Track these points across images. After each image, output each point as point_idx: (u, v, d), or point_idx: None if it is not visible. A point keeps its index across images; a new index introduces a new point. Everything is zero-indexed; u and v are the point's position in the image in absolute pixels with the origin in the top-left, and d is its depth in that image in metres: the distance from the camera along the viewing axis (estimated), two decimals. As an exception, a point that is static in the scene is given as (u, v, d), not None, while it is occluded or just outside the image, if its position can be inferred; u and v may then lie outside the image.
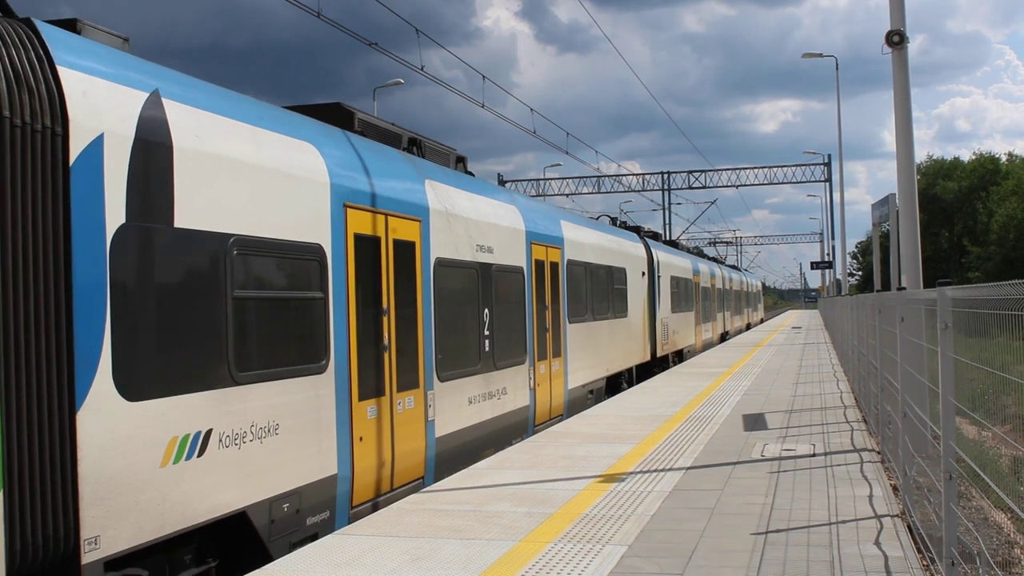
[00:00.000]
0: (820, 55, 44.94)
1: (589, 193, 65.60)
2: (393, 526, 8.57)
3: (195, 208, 7.66)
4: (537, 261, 16.82)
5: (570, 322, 18.85)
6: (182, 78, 8.24)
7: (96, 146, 6.76)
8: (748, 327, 65.61)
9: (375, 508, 10.06)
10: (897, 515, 8.46)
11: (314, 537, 8.87)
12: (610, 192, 66.66)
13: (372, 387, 10.36)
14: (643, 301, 26.89)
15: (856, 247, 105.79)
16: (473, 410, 13.40)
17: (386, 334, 10.81)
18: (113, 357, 6.73)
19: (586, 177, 65.19)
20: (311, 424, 9.13)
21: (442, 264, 12.50)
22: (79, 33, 7.37)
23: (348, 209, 10.07)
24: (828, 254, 66.64)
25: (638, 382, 24.41)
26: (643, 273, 27.09)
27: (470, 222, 13.71)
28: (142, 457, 6.96)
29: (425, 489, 10.42)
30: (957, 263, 78.63)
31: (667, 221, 66.10)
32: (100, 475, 6.59)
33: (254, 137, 8.70)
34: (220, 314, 7.91)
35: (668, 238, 52.31)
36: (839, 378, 22.19)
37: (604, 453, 12.10)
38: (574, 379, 18.96)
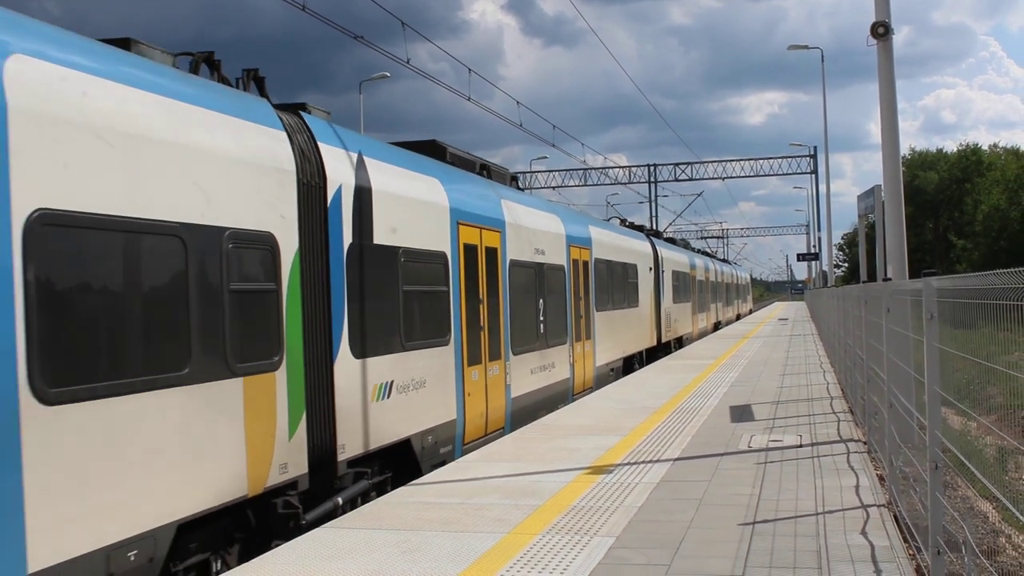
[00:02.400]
0: (806, 47, 44.98)
1: (576, 186, 65.55)
2: (383, 519, 8.57)
3: (383, 229, 11.12)
4: (574, 260, 20.25)
5: (597, 311, 22.17)
6: (370, 141, 12.04)
7: (338, 193, 10.14)
8: (738, 317, 68.98)
9: (477, 447, 13.14)
10: (883, 505, 8.51)
11: (442, 463, 12.09)
12: (597, 185, 66.64)
13: (474, 357, 13.92)
14: (650, 293, 30.21)
15: (842, 239, 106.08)
16: (533, 378, 16.92)
17: (481, 318, 14.31)
18: (348, 330, 10.12)
19: (573, 170, 65.13)
20: (441, 381, 12.62)
21: (514, 264, 16.07)
22: (309, 112, 10.56)
23: (460, 225, 13.59)
24: (814, 246, 66.83)
25: (648, 363, 27.64)
26: (650, 268, 30.39)
27: (530, 230, 17.25)
28: (361, 396, 10.36)
29: (414, 482, 10.44)
30: (942, 254, 78.96)
31: (654, 213, 66.17)
32: (344, 406, 9.94)
33: (409, 178, 12.29)
34: (397, 302, 11.46)
35: (654, 228, 53.07)
36: (825, 369, 22.28)
37: (592, 445, 12.13)
38: (600, 358, 22.30)
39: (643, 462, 10.92)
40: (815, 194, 66.16)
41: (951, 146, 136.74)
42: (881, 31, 13.76)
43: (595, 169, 64.92)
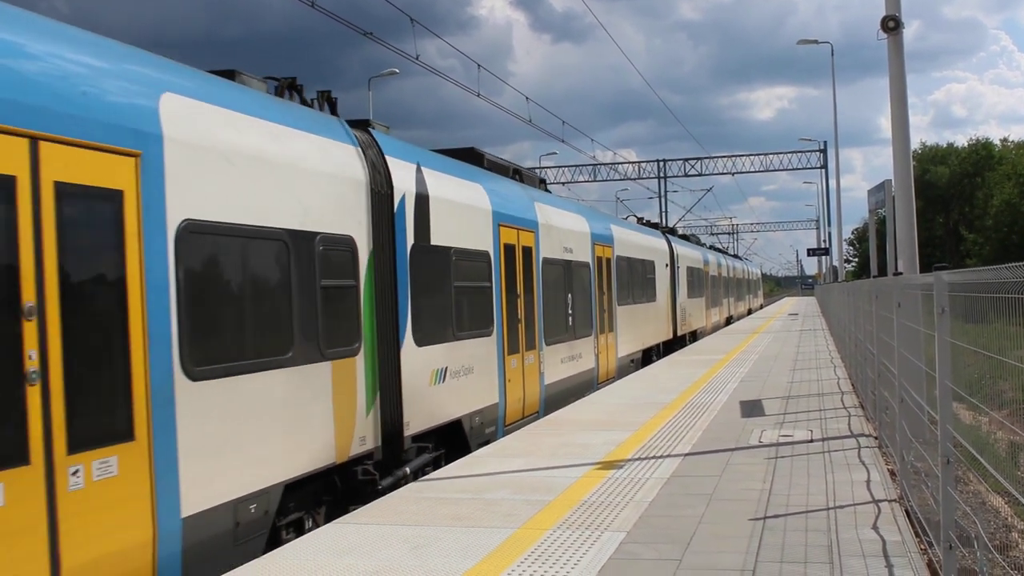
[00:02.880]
0: (816, 41, 44.82)
1: (585, 181, 65.51)
2: (393, 514, 8.59)
3: (438, 232, 12.48)
4: (598, 257, 21.65)
5: (619, 305, 23.63)
6: (426, 153, 13.29)
7: (402, 200, 11.48)
8: (749, 312, 70.28)
9: (515, 428, 14.66)
10: (895, 500, 8.49)
11: (487, 442, 13.49)
12: (606, 180, 66.57)
13: (513, 346, 15.36)
14: (667, 289, 31.70)
15: (852, 233, 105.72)
16: (564, 367, 18.33)
17: (519, 311, 15.81)
18: (412, 321, 11.53)
19: (582, 165, 65.05)
20: (486, 368, 14.07)
21: (546, 262, 17.49)
22: (373, 128, 11.87)
23: (500, 227, 15.07)
24: (824, 241, 66.67)
25: (665, 355, 29.27)
26: (666, 265, 31.87)
27: (559, 230, 18.64)
28: (421, 380, 11.77)
29: (424, 478, 10.47)
30: (953, 248, 78.65)
31: (663, 209, 66.07)
32: (408, 388, 11.29)
33: (458, 185, 13.74)
34: (450, 297, 12.89)
35: (669, 226, 53.41)
36: (836, 364, 22.23)
37: (603, 440, 12.13)
38: (622, 350, 23.83)
39: (654, 457, 10.92)
40: (825, 189, 65.87)
41: (961, 140, 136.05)
42: (891, 25, 13.70)
43: (604, 165, 64.82)
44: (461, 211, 13.53)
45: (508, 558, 7.11)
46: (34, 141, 6.18)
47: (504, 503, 8.87)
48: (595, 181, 66.22)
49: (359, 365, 10.22)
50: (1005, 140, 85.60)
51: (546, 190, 20.52)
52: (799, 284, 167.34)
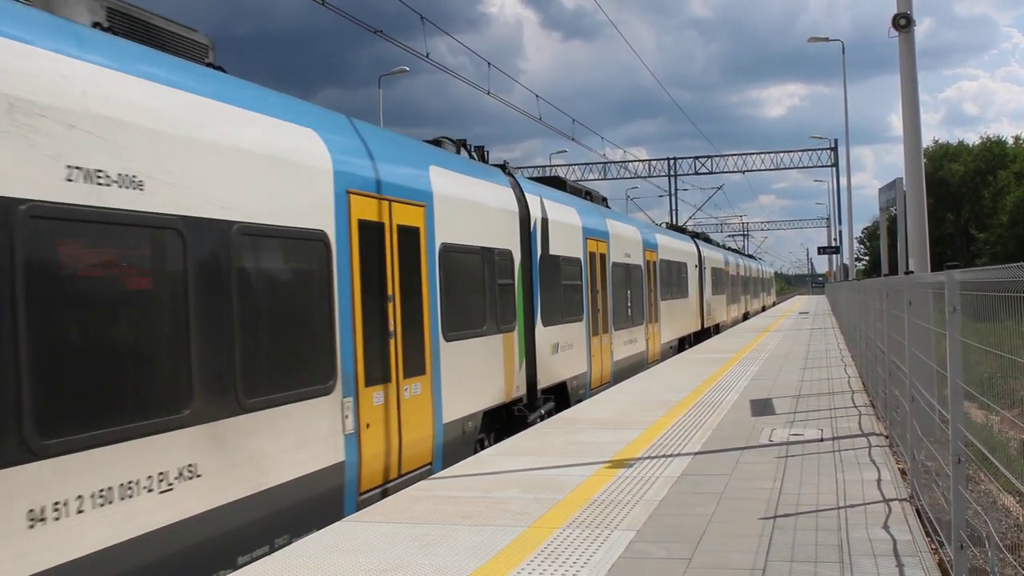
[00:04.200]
0: (826, 39, 44.67)
1: (595, 179, 65.41)
2: (402, 513, 8.60)
3: (553, 245, 17.10)
4: (647, 261, 26.62)
5: (661, 300, 28.71)
6: (543, 187, 18.15)
7: (535, 224, 16.09)
8: (763, 309, 75.86)
9: (596, 393, 18.84)
10: (905, 499, 8.47)
11: (580, 400, 17.74)
12: (616, 178, 66.53)
13: (595, 330, 20.09)
14: (696, 286, 36.97)
15: (863, 232, 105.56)
16: (625, 348, 23.10)
17: (598, 303, 20.50)
18: (541, 308, 16.14)
19: (592, 163, 65.03)
20: (579, 345, 18.81)
21: (614, 265, 22.43)
22: (512, 171, 16.51)
23: (587, 239, 19.93)
24: (835, 239, 66.46)
25: (695, 344, 33.50)
26: (695, 266, 36.98)
27: (622, 239, 23.59)
28: (545, 350, 16.32)
29: (433, 476, 10.48)
30: (964, 247, 78.38)
31: (673, 207, 65.99)
32: (539, 355, 15.87)
33: (562, 209, 18.33)
34: (560, 292, 17.44)
35: (673, 223, 54.62)
36: (846, 363, 22.17)
37: (612, 439, 12.12)
38: (664, 337, 28.89)
39: (664, 456, 10.91)
40: (836, 187, 65.69)
41: (973, 138, 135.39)
42: (903, 23, 13.66)
43: (615, 163, 64.76)
44: (565, 228, 18.26)
45: (518, 557, 7.11)
46: (389, 203, 10.85)
47: (513, 501, 8.87)
48: (605, 179, 66.22)
49: (515, 338, 14.96)
50: (1018, 138, 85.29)
51: (607, 206, 25.25)
52: (809, 282, 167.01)
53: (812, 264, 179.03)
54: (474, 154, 15.62)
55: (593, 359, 19.71)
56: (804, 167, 64.65)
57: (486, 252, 13.82)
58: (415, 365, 11.14)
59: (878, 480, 9.30)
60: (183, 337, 7.30)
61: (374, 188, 10.51)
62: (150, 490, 6.85)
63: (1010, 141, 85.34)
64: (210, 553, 7.44)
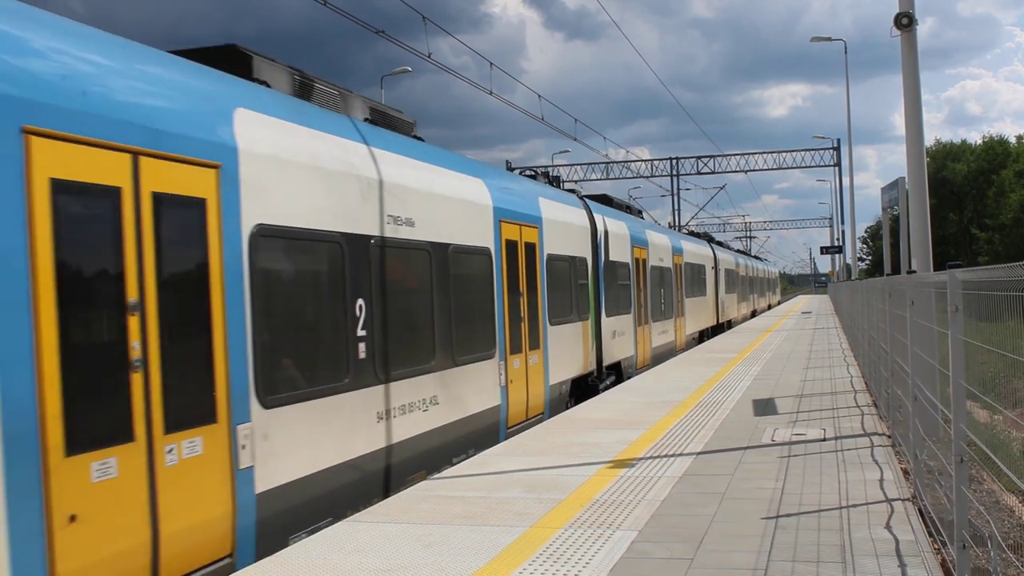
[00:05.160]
0: (829, 39, 44.57)
1: (598, 179, 65.28)
2: (404, 513, 8.60)
3: (612, 252, 21.36)
4: (675, 264, 30.85)
5: (686, 298, 32.97)
6: (603, 207, 22.40)
7: (600, 236, 20.53)
8: (769, 307, 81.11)
9: (641, 372, 22.59)
10: (908, 499, 8.46)
11: (629, 376, 21.74)
12: (619, 178, 66.34)
13: (639, 321, 24.35)
14: (712, 286, 41.52)
15: (866, 231, 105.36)
16: (660, 337, 27.52)
17: (641, 298, 24.75)
18: (605, 302, 20.51)
19: (595, 163, 64.90)
20: (628, 333, 22.83)
21: (652, 268, 26.54)
22: (580, 196, 21.66)
23: (633, 247, 23.97)
24: (838, 239, 66.40)
25: (712, 337, 37.94)
26: (712, 267, 41.52)
27: (658, 246, 27.97)
28: (607, 336, 20.54)
29: (435, 476, 10.47)
30: (966, 246, 78.28)
31: (676, 207, 65.94)
32: (604, 339, 20.18)
33: (618, 223, 22.56)
34: (616, 289, 21.42)
35: (676, 223, 55.65)
36: (849, 363, 22.15)
37: (614, 439, 12.11)
38: (688, 330, 33.36)
39: (666, 456, 10.90)
40: (839, 187, 65.55)
41: (976, 138, 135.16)
42: (905, 22, 13.64)
43: (617, 163, 64.67)
44: (619, 239, 22.49)
45: (520, 556, 7.11)
46: (520, 227, 15.31)
47: (515, 501, 8.87)
48: (608, 179, 66.01)
49: (588, 324, 19.24)
50: (1020, 137, 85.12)
51: (640, 216, 29.49)
52: (812, 282, 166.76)
53: (815, 264, 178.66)
54: (553, 183, 20.42)
55: (638, 345, 24.26)
56: (807, 167, 64.51)
57: (572, 259, 18.28)
58: (535, 341, 15.75)
59: (881, 480, 9.29)
60: (432, 316, 11.89)
61: (513, 217, 15.00)
62: (421, 409, 11.37)
63: (1013, 140, 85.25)
64: (444, 453, 11.92)
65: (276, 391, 8.34)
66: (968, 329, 6.19)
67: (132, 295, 6.81)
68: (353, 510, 9.27)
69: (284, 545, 8.10)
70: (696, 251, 36.81)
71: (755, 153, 64.97)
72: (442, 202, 12.28)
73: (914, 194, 14.01)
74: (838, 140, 62.84)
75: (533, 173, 20.05)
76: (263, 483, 7.95)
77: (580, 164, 65.66)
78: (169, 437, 6.92)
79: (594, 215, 20.41)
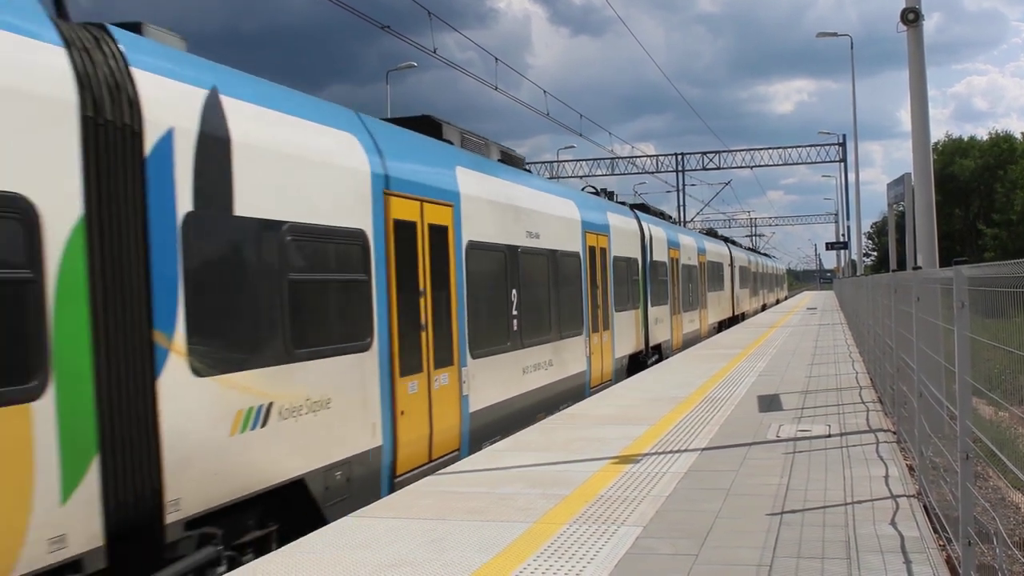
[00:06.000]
0: (835, 34, 44.50)
1: (603, 175, 65.23)
2: (409, 508, 8.60)
3: (655, 254, 26.26)
4: (699, 263, 35.03)
5: (708, 292, 37.44)
6: (649, 217, 28.08)
7: (648, 240, 25.61)
8: (777, 301, 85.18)
9: (677, 352, 27.48)
10: (913, 495, 8.45)
11: (668, 356, 25.99)
12: (624, 174, 66.31)
13: (674, 311, 28.64)
14: (729, 282, 46.15)
15: (872, 227, 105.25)
16: (689, 325, 31.65)
17: (674, 291, 28.79)
18: (650, 297, 25.39)
19: (600, 159, 64.84)
20: (665, 321, 27.09)
21: (683, 267, 30.66)
22: (629, 205, 28.32)
23: (669, 248, 28.35)
24: (843, 235, 66.28)
25: (729, 327, 41.66)
26: (728, 265, 46.10)
27: (687, 246, 32.01)
28: (652, 323, 25.45)
29: (440, 472, 10.47)
30: (972, 242, 78.13)
31: (681, 203, 65.89)
32: (650, 325, 25.15)
33: (659, 227, 27.86)
34: (658, 284, 26.45)
35: (682, 219, 56.11)
36: (854, 359, 22.12)
37: (619, 435, 12.11)
38: (709, 320, 37.59)
39: (670, 452, 10.89)
40: (844, 182, 65.51)
41: (982, 134, 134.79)
42: (911, 17, 13.62)
43: (622, 158, 64.63)
44: (660, 242, 27.03)
45: (525, 552, 7.11)
46: (597, 235, 20.24)
47: (520, 497, 8.87)
48: (613, 175, 65.98)
49: (640, 313, 23.84)
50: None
51: (673, 221, 36.85)
52: (817, 278, 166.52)
53: (820, 260, 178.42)
54: (610, 197, 26.34)
55: (673, 331, 28.60)
56: (812, 163, 64.45)
57: (628, 260, 22.96)
58: (606, 324, 20.37)
59: (886, 476, 9.28)
60: (548, 303, 16.43)
61: (593, 228, 19.64)
62: (543, 368, 15.83)
63: (1019, 136, 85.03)
64: (554, 402, 16.15)
65: (477, 348, 12.95)
66: (974, 325, 6.18)
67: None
68: (505, 435, 12.94)
69: (479, 449, 12.25)
70: (716, 250, 41.92)
71: (760, 149, 64.95)
72: (553, 219, 16.92)
73: (920, 190, 13.98)
74: (843, 136, 62.80)
75: (595, 190, 26.19)
76: (473, 406, 12.69)
77: (585, 160, 65.66)
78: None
79: (641, 223, 25.20)
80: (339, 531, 7.91)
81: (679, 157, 66.14)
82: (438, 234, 11.76)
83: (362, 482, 9.60)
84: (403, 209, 10.79)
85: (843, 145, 62.17)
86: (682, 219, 58.73)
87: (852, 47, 46.03)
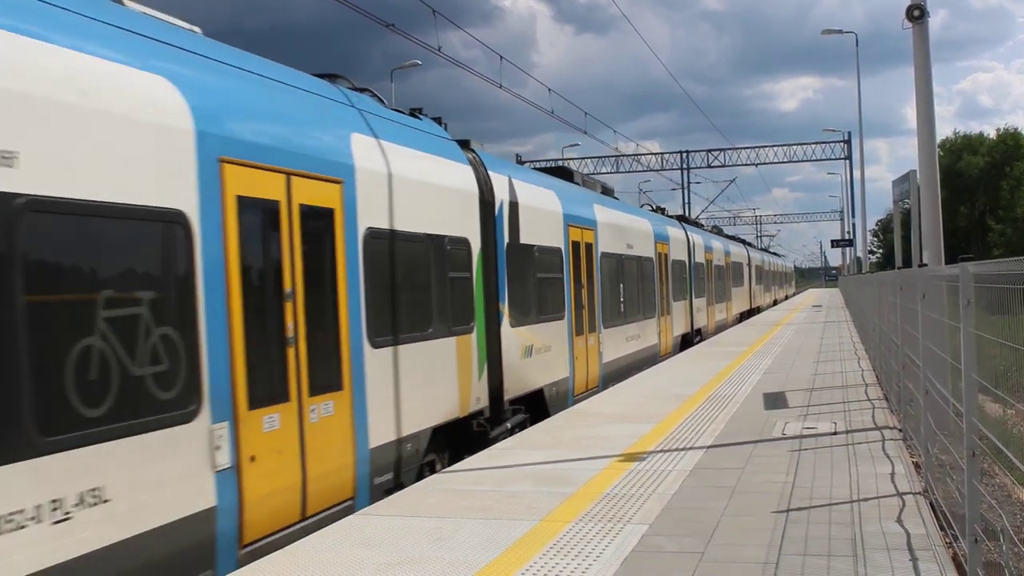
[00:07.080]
0: (840, 31, 44.49)
1: (608, 173, 65.22)
2: (414, 506, 8.61)
3: (696, 256, 33.51)
4: (726, 263, 40.86)
5: (733, 287, 43.98)
6: (689, 225, 35.94)
7: (694, 246, 33.29)
8: (787, 297, 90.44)
9: (710, 336, 34.20)
10: (919, 493, 8.43)
11: (707, 339, 32.85)
12: (629, 172, 66.34)
13: (709, 302, 35.86)
14: (747, 279, 52.04)
15: (877, 225, 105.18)
16: (719, 315, 38.18)
17: (707, 285, 35.82)
18: (694, 289, 32.69)
19: (605, 157, 64.83)
20: (703, 309, 34.68)
21: (715, 266, 38.01)
22: (684, 218, 39.44)
23: (706, 251, 36.00)
24: (849, 232, 66.22)
25: (749, 318, 47.72)
26: (746, 264, 52.03)
27: (717, 249, 38.49)
28: (695, 309, 32.99)
29: (445, 470, 10.48)
30: (978, 239, 77.98)
31: (686, 200, 65.85)
32: (694, 312, 32.56)
33: (699, 236, 35.88)
34: (698, 280, 33.80)
35: (686, 216, 56.46)
36: (860, 356, 22.10)
37: (625, 433, 12.11)
38: (733, 311, 43.72)
39: (676, 449, 10.89)
40: (849, 180, 65.48)
41: (989, 131, 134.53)
42: (916, 14, 13.58)
43: (627, 156, 64.63)
44: (700, 248, 33.37)
45: (530, 550, 7.12)
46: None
47: (526, 495, 8.87)
48: (618, 173, 65.97)
49: (687, 303, 30.69)
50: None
51: (696, 225, 40.83)
52: (823, 276, 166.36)
53: (826, 257, 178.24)
54: (659, 211, 32.32)
55: (708, 318, 35.15)
56: (817, 160, 64.35)
57: (679, 262, 29.38)
58: (668, 309, 26.66)
59: (892, 474, 9.27)
60: (640, 291, 23.68)
61: (660, 239, 25.36)
62: (635, 340, 22.87)
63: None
64: (638, 367, 21.78)
65: (607, 321, 19.97)
66: (980, 322, 6.16)
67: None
68: (618, 380, 18.92)
69: (609, 386, 18.44)
70: (738, 252, 49.27)
71: (765, 146, 65.08)
72: (637, 233, 23.64)
73: (926, 187, 13.95)
74: (849, 133, 62.74)
75: (652, 206, 33.31)
76: (604, 359, 19.51)
77: (590, 158, 65.67)
78: (586, 335, 19.23)
79: (687, 232, 32.06)
80: (344, 529, 7.92)
81: (684, 155, 66.12)
82: (587, 249, 19.14)
83: (561, 396, 16.19)
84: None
85: (848, 142, 62.11)
86: (687, 217, 58.82)
87: (857, 44, 46.03)
